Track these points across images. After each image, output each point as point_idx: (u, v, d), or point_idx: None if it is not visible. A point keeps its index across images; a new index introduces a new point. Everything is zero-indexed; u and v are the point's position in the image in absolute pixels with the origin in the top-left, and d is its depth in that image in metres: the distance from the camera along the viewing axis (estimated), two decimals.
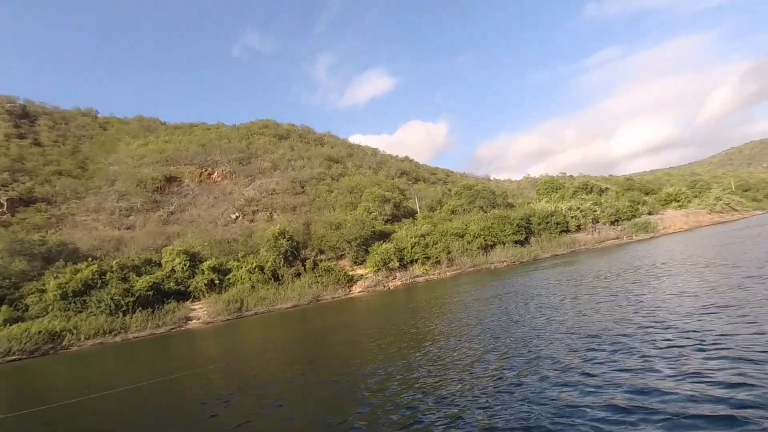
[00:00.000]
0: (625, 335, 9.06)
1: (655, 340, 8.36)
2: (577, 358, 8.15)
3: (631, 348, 8.12)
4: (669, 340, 8.24)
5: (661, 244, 35.69)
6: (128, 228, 51.74)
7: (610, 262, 27.10)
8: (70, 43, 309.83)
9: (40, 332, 27.97)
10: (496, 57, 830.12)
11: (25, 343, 27.06)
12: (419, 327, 14.93)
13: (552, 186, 68.78)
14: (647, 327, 9.47)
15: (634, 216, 52.58)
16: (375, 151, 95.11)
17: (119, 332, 31.06)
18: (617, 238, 48.71)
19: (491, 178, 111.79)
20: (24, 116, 75.89)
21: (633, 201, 56.71)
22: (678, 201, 62.09)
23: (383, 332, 15.18)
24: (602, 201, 53.81)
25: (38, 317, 30.99)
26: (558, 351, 8.85)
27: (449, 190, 76.36)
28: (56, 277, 33.31)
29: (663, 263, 21.17)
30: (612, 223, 51.02)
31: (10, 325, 29.09)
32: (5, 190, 50.64)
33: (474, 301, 19.67)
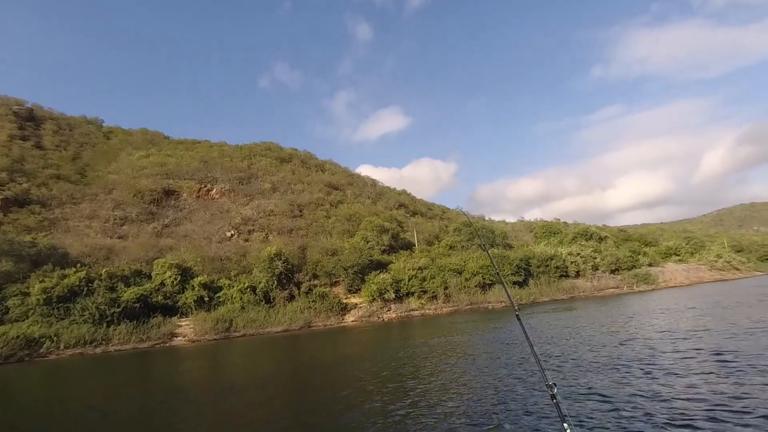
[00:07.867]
0: None
1: None
2: None
3: None
4: None
5: (674, 298, 34.88)
6: (120, 237, 50.55)
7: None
8: (94, 54, 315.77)
9: (18, 337, 26.52)
10: (506, 106, 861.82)
11: (1, 347, 25.58)
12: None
13: (550, 230, 68.79)
14: None
15: (634, 266, 52.34)
16: (374, 182, 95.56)
17: (100, 343, 29.56)
18: (617, 287, 48.27)
19: (486, 218, 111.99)
20: (30, 119, 75.65)
21: (633, 251, 56.65)
22: (678, 255, 62.14)
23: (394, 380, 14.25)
24: (602, 249, 53.64)
25: (18, 321, 29.52)
26: None
27: (446, 227, 76.13)
28: (42, 281, 32.01)
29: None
30: (612, 271, 50.71)
31: None
32: (1, 190, 49.61)
33: (486, 345, 18.79)
